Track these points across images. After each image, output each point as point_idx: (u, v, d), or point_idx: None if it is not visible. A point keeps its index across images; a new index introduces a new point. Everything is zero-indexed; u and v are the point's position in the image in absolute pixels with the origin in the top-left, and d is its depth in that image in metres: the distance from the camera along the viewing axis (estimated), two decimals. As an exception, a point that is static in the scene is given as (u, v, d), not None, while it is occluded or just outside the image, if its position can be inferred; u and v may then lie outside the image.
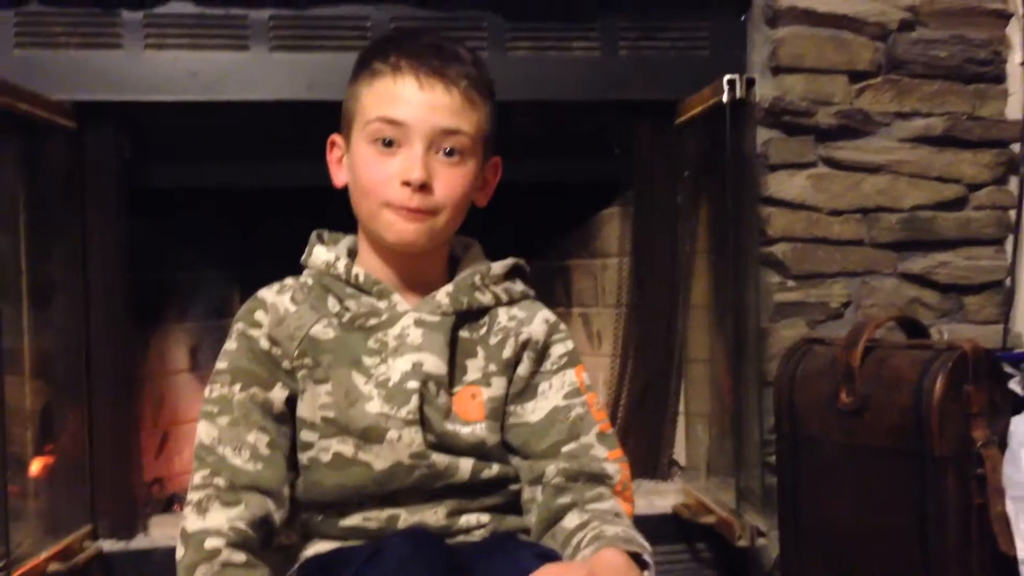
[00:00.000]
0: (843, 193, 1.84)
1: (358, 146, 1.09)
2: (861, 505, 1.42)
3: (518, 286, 1.18)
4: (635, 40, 1.82)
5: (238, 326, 1.10)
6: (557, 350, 1.15)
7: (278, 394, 1.07)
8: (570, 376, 1.14)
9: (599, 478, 1.09)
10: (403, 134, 1.07)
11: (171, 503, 1.89)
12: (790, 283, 1.82)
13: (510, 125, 1.82)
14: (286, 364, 1.08)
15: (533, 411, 1.12)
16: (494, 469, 1.09)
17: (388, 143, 1.07)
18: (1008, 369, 1.43)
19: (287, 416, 1.08)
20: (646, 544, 0.98)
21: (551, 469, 1.09)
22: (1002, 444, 1.31)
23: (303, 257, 1.16)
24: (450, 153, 1.08)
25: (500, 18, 1.78)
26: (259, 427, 1.05)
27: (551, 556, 0.99)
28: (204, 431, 1.05)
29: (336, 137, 1.15)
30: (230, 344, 1.09)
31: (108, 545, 1.64)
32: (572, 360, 1.16)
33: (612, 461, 1.10)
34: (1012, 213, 1.91)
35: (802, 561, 1.50)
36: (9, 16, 1.63)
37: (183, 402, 2.00)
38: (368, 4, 1.74)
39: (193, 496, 1.01)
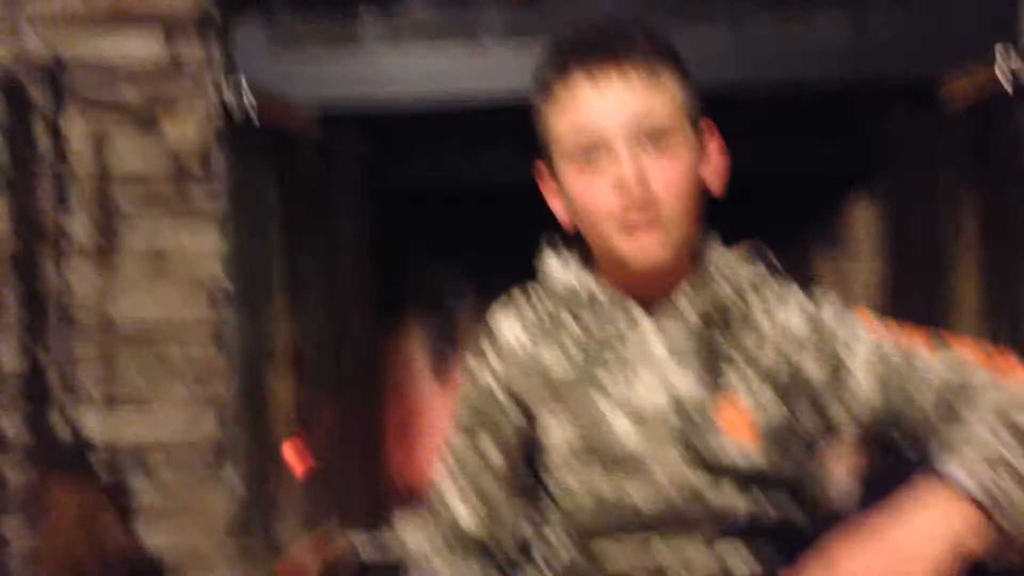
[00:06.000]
0: None
1: (564, 171, 0.99)
2: None
3: (759, 268, 1.05)
4: (888, 11, 1.67)
5: (472, 365, 1.07)
6: (852, 347, 1.00)
7: (511, 435, 1.04)
8: (878, 351, 1.00)
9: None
10: (600, 140, 0.95)
11: (411, 495, 1.95)
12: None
13: (746, 107, 1.74)
14: (521, 398, 1.03)
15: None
16: (772, 513, 0.98)
17: (589, 156, 0.96)
18: None
19: (522, 456, 1.04)
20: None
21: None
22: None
23: (538, 266, 1.08)
24: (654, 140, 0.95)
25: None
26: (490, 472, 1.04)
27: None
28: (436, 471, 1.08)
29: (541, 164, 1.04)
30: (464, 386, 1.08)
31: (356, 537, 1.71)
32: (866, 341, 1.00)
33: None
34: None
35: None
36: (261, 24, 1.72)
37: (420, 395, 2.05)
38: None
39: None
